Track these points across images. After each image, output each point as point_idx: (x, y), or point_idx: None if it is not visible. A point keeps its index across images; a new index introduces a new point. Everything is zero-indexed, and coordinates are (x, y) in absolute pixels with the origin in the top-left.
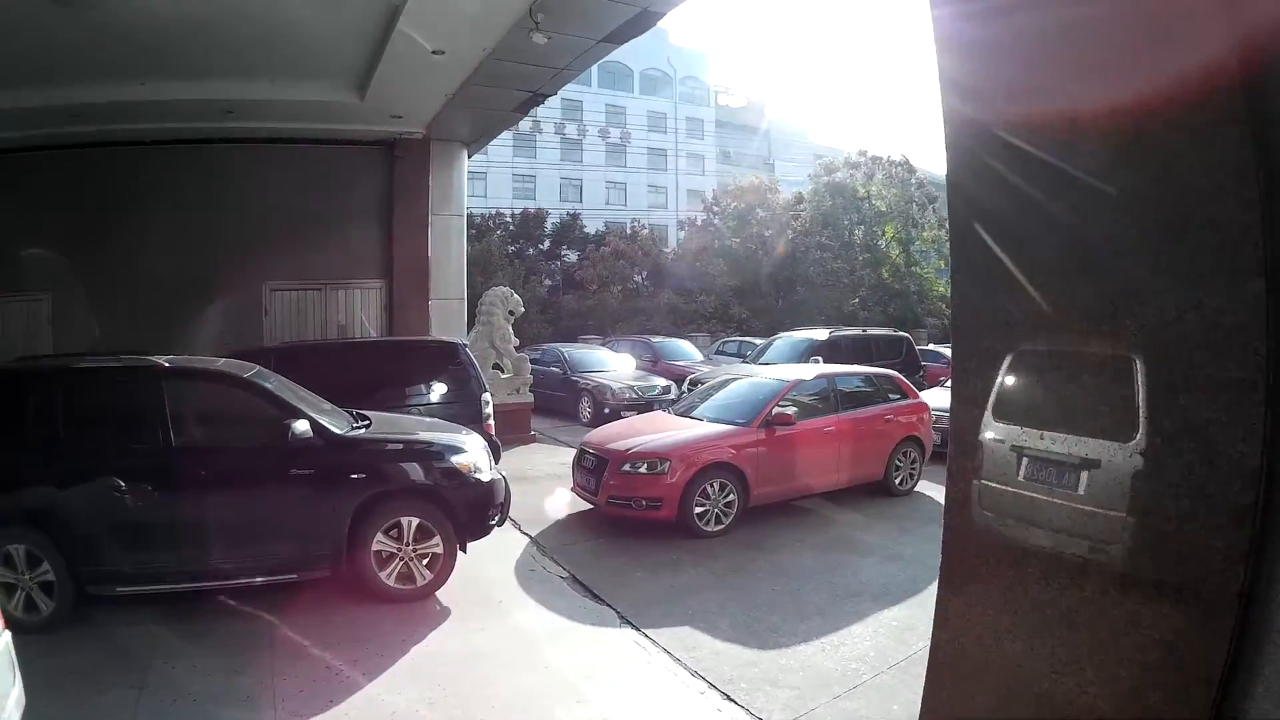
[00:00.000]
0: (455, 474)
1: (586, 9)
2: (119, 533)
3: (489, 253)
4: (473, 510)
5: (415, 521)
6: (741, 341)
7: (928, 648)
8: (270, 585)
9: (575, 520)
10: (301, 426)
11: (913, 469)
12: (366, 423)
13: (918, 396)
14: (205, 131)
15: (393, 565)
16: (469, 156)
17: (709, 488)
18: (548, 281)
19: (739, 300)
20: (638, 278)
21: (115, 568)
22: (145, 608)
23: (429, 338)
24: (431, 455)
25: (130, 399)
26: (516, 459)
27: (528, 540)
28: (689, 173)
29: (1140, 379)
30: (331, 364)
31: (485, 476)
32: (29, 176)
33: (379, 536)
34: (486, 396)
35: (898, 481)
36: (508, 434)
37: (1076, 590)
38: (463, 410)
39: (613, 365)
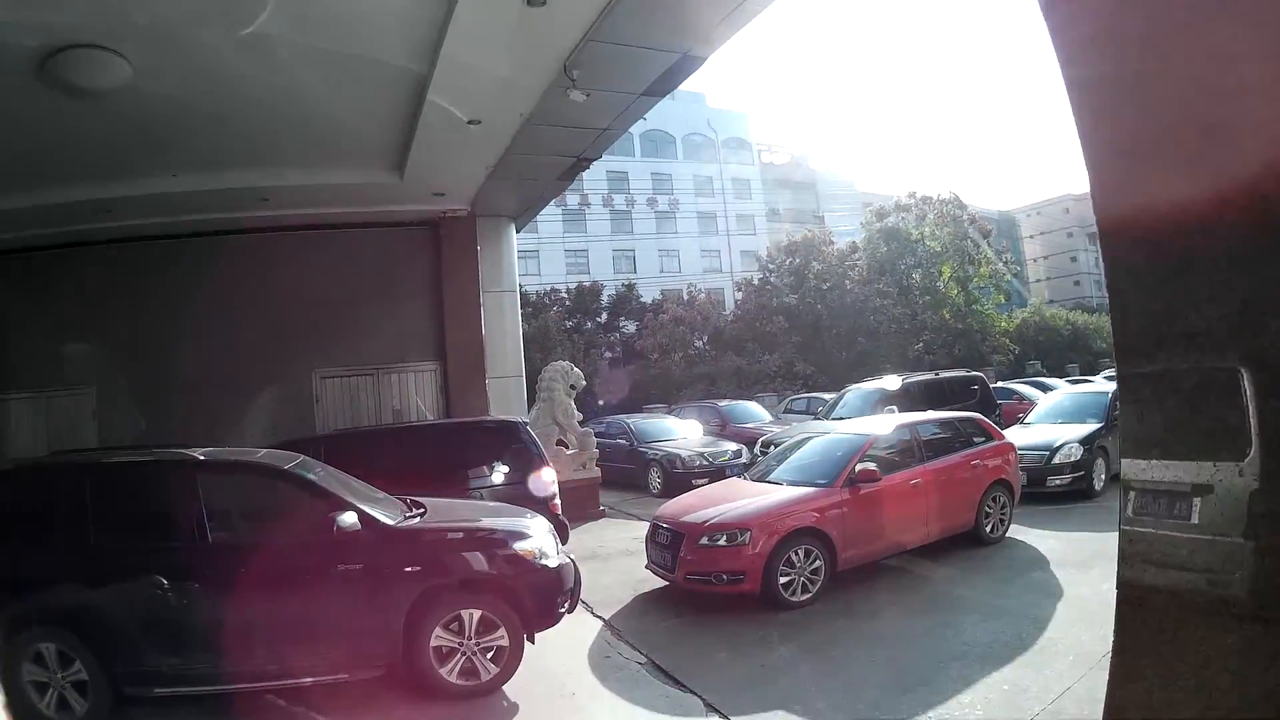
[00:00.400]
0: (519, 561)
1: (623, 60)
2: (154, 632)
3: (546, 329)
4: (540, 598)
5: (478, 614)
6: (810, 398)
7: (1043, 712)
8: (321, 684)
9: (651, 599)
10: (348, 519)
11: (1003, 514)
12: (422, 511)
13: (1003, 437)
14: (243, 221)
15: (454, 660)
16: (517, 231)
17: (794, 555)
18: (607, 354)
19: (803, 356)
20: (699, 343)
21: (153, 668)
22: (188, 708)
23: (487, 418)
24: (492, 543)
25: (164, 494)
26: (586, 537)
27: (601, 624)
28: (740, 233)
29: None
30: (385, 450)
31: (552, 562)
32: (67, 272)
33: (438, 631)
34: (549, 474)
35: (989, 529)
36: (576, 510)
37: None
38: (527, 491)
39: (680, 433)
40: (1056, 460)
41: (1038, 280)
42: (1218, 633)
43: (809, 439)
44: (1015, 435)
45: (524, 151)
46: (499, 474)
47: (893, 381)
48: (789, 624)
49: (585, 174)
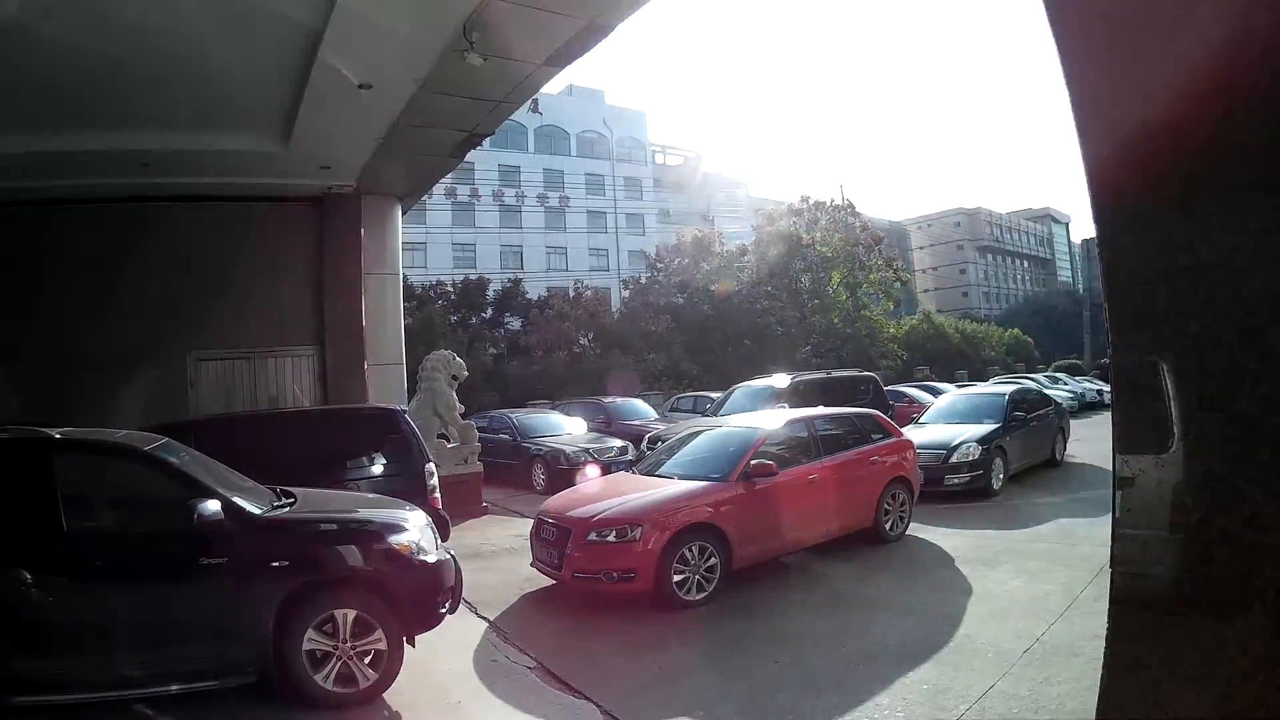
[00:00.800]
0: (396, 557)
1: (526, 23)
2: (7, 632)
3: (430, 322)
4: (419, 597)
5: (352, 614)
6: (696, 397)
7: (969, 711)
8: (190, 694)
9: (538, 599)
10: (210, 507)
11: (902, 512)
12: (292, 501)
13: (901, 434)
14: (124, 189)
15: (329, 665)
16: (403, 213)
17: (687, 552)
18: (492, 350)
19: (689, 356)
20: (584, 340)
21: (9, 673)
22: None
23: (364, 405)
24: (367, 536)
25: (14, 477)
26: (469, 534)
27: (486, 625)
28: (630, 233)
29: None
30: (258, 438)
31: (431, 558)
32: None
33: (310, 633)
34: (431, 467)
35: (888, 527)
36: (458, 507)
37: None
38: (405, 484)
39: (565, 429)
40: (954, 459)
41: (926, 290)
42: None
43: (700, 432)
44: (911, 434)
45: (415, 123)
46: (377, 465)
47: (782, 379)
48: (685, 624)
49: (476, 166)
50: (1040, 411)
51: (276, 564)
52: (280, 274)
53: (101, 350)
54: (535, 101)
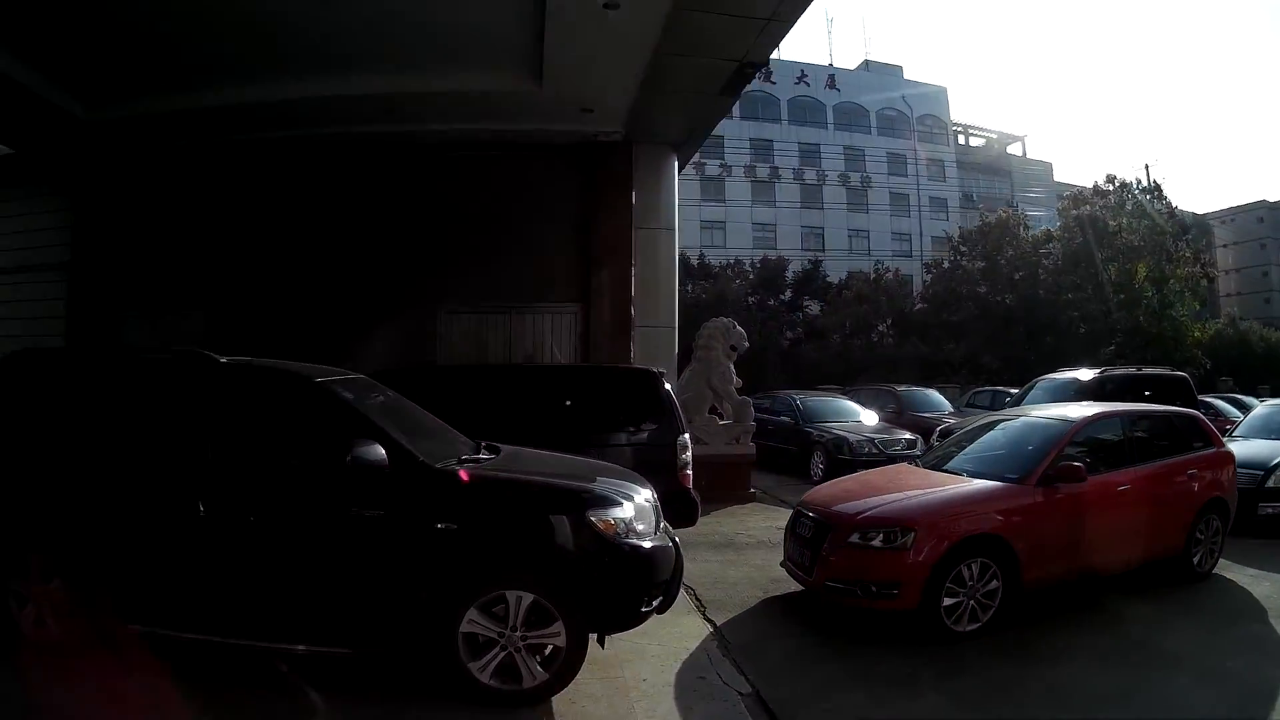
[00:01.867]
0: (596, 536)
1: None
2: (143, 559)
3: (724, 297)
4: (619, 589)
5: (528, 599)
6: (995, 392)
7: None
8: (322, 655)
9: (779, 606)
10: (371, 451)
11: (1214, 543)
12: (491, 458)
13: (1223, 444)
14: (371, 135)
15: (490, 655)
16: (682, 164)
17: (965, 570)
18: (789, 333)
19: (989, 349)
20: (881, 327)
21: (141, 600)
22: (179, 651)
23: (619, 365)
24: (562, 506)
25: (170, 399)
26: (726, 521)
27: (709, 631)
28: (933, 216)
29: None
30: (496, 390)
31: (647, 543)
32: (178, 186)
33: (472, 613)
34: (685, 439)
35: (1197, 560)
36: (722, 490)
37: None
38: (654, 455)
39: (852, 415)
40: (1273, 483)
41: (1227, 295)
42: None
43: (997, 423)
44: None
45: (677, 50)
46: (624, 431)
47: (1086, 374)
48: (948, 661)
49: (775, 142)
50: None
51: (442, 525)
52: (543, 226)
53: (346, 300)
54: (831, 78)
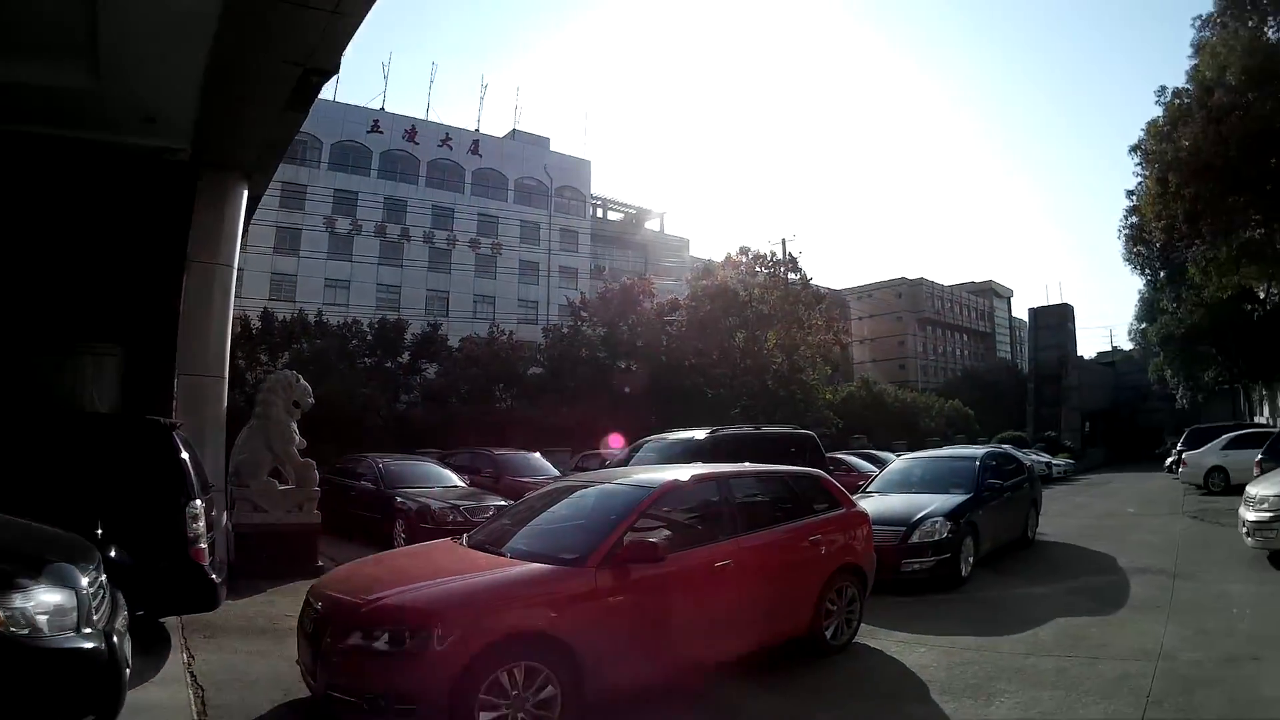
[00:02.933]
0: None
1: None
2: None
3: (325, 355)
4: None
5: None
6: (609, 455)
7: None
8: None
9: (301, 713)
10: None
11: (850, 612)
12: None
13: (853, 504)
14: None
15: None
16: (255, 198)
17: (505, 678)
18: (405, 397)
19: (609, 415)
20: (496, 390)
21: None
22: None
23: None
24: None
25: None
26: (281, 600)
27: None
28: (561, 286)
29: None
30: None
31: (52, 641)
32: None
33: None
34: (197, 507)
35: (830, 633)
36: (285, 564)
37: None
38: (154, 524)
39: (440, 481)
40: (917, 538)
41: (863, 362)
42: None
43: (572, 490)
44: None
45: (237, 45)
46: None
47: (700, 434)
48: None
49: (409, 202)
50: (1015, 480)
51: None
52: (94, 254)
53: None
54: (476, 143)
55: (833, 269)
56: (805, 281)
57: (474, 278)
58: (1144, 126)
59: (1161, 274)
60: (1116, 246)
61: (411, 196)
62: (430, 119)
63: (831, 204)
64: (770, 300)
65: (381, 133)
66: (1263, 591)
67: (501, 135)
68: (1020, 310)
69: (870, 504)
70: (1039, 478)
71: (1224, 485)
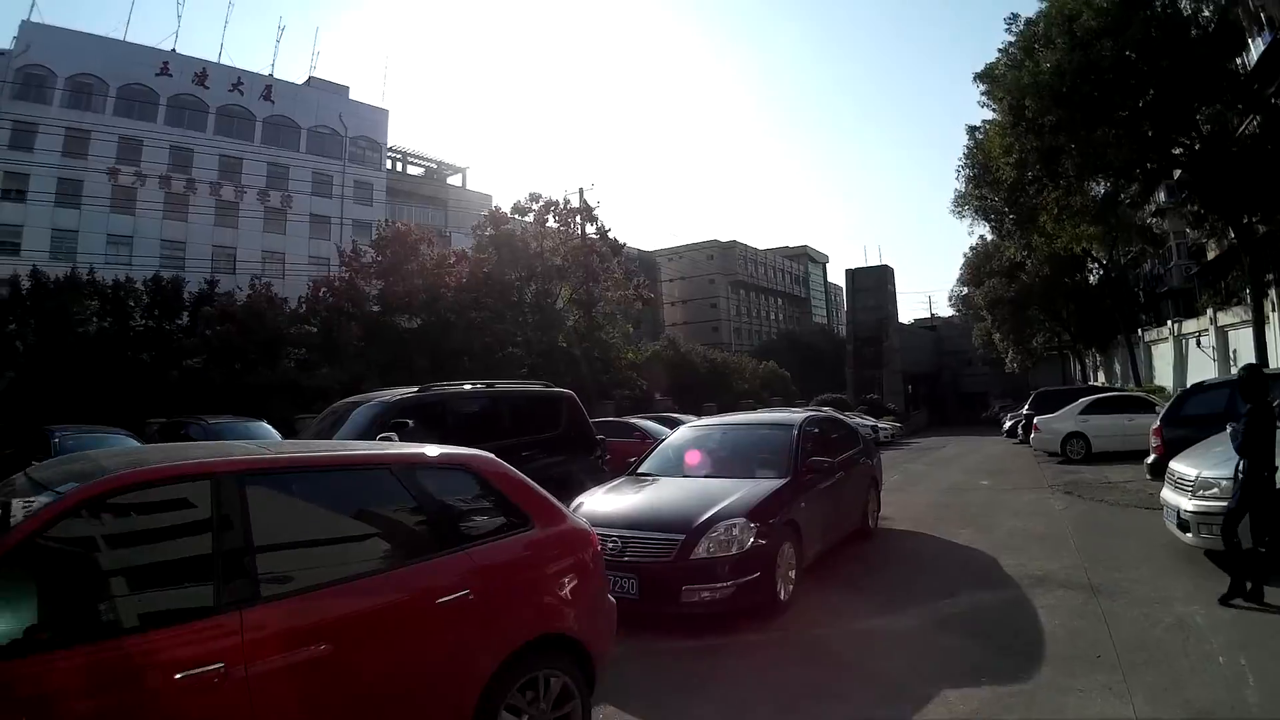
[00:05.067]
0: None
1: None
2: None
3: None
4: None
5: None
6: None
7: None
8: None
9: None
10: None
11: (563, 714)
12: None
13: (562, 519)
14: None
15: None
16: None
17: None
18: (188, 361)
19: (382, 375)
20: (251, 350)
21: None
22: None
23: None
24: None
25: None
26: None
27: None
28: (355, 240)
29: None
30: None
31: None
32: None
33: None
34: None
35: None
36: None
37: None
38: None
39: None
40: (704, 550)
41: (675, 324)
42: None
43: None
44: (600, 504)
45: None
46: None
47: (398, 394)
48: None
49: (195, 151)
50: (848, 453)
51: None
52: None
53: None
54: (269, 88)
55: (645, 232)
56: (603, 231)
57: (262, 233)
58: (999, 47)
59: (1010, 218)
60: (945, 200)
61: (200, 144)
62: (224, 63)
63: (644, 169)
64: (564, 251)
65: (171, 75)
66: (1234, 618)
67: (300, 84)
68: (836, 276)
69: (634, 497)
70: (875, 448)
71: (1084, 453)
